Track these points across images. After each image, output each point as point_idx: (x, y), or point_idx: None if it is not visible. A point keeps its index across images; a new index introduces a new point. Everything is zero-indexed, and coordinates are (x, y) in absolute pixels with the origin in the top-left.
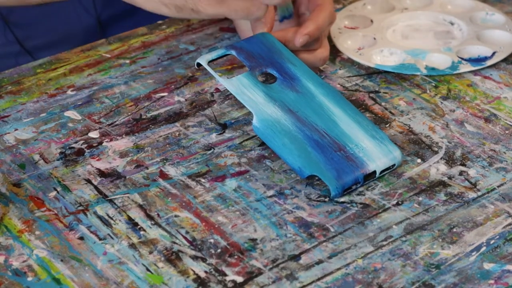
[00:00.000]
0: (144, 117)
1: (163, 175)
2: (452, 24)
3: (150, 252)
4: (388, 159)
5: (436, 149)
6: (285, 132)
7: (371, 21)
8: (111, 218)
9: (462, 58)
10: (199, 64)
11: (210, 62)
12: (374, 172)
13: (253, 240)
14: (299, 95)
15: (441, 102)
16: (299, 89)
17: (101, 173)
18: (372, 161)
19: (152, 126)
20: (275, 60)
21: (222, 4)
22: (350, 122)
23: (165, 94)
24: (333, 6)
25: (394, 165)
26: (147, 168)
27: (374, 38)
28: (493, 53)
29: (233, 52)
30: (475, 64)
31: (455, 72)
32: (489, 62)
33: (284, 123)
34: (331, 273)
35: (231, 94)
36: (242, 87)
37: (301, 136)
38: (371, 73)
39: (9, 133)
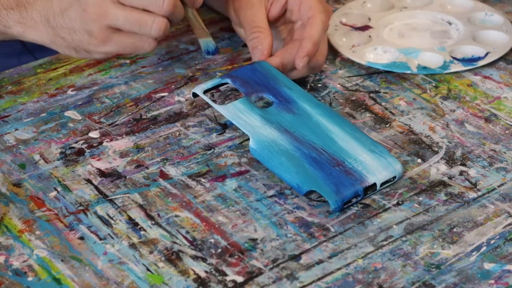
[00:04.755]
0: (144, 117)
1: (163, 175)
2: (450, 24)
3: (151, 252)
4: (388, 171)
5: (436, 149)
6: (282, 151)
7: (369, 19)
8: (112, 218)
9: (455, 58)
10: (195, 94)
11: (206, 91)
12: (375, 184)
13: (254, 240)
14: (296, 116)
15: (441, 102)
16: (295, 111)
17: (101, 173)
18: (371, 174)
19: (152, 126)
20: (270, 85)
21: (109, 43)
22: (348, 138)
23: (165, 94)
24: (324, 12)
25: (395, 177)
26: (147, 168)
27: (370, 36)
28: (486, 54)
29: (228, 81)
30: (467, 64)
31: (445, 72)
32: (481, 63)
33: (281, 143)
34: (332, 273)
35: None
36: (238, 112)
37: (299, 154)
38: (371, 73)
39: (9, 133)
